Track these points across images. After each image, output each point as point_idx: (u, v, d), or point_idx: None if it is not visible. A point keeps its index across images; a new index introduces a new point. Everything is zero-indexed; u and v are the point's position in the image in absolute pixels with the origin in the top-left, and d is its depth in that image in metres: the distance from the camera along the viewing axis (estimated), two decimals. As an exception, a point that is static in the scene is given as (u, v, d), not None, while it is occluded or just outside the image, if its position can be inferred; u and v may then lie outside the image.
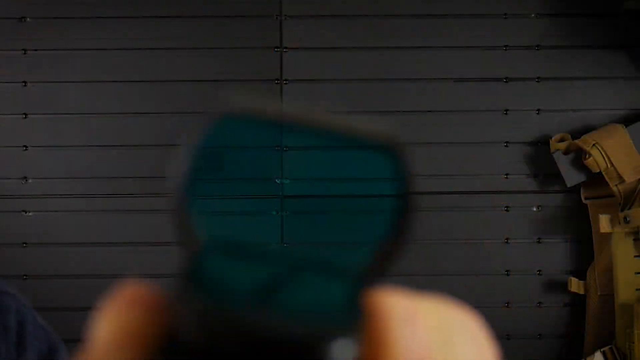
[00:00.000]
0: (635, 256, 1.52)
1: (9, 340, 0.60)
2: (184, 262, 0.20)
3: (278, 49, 1.62)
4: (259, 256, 0.20)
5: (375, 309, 0.19)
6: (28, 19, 1.60)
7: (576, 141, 1.56)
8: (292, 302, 0.19)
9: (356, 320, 0.19)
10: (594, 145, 1.53)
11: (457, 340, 0.19)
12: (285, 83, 1.62)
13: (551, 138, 1.60)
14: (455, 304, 0.19)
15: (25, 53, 1.61)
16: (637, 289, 1.52)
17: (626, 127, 1.57)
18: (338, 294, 0.20)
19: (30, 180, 1.62)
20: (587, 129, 1.60)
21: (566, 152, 1.58)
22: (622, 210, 1.52)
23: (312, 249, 0.22)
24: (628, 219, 1.49)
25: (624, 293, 1.52)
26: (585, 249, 1.62)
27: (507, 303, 1.64)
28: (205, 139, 0.20)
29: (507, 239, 1.64)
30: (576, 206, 1.62)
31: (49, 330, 0.65)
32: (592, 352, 1.56)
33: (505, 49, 1.63)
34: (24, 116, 1.61)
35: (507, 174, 1.64)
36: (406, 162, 0.20)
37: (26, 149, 1.62)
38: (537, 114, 1.63)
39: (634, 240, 1.52)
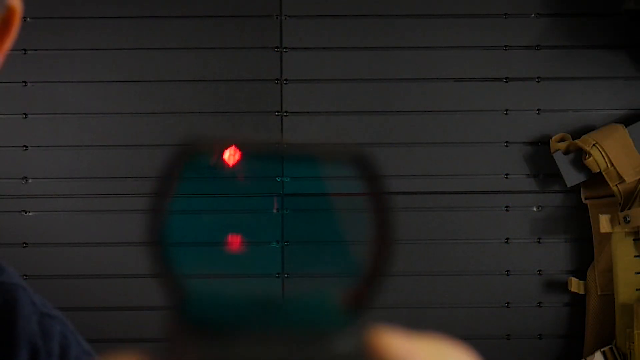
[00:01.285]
0: (635, 256, 1.52)
1: None
2: (171, 302, 0.19)
3: (278, 49, 1.62)
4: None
5: (376, 349, 0.19)
6: (28, 19, 1.60)
7: (576, 141, 1.56)
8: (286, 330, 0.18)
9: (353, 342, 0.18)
10: (594, 145, 1.53)
11: None
12: (285, 83, 1.62)
13: (551, 138, 1.60)
14: (451, 341, 0.19)
15: (25, 53, 1.61)
16: (637, 289, 1.52)
17: (626, 127, 1.57)
18: (333, 320, 0.19)
19: (30, 180, 1.62)
20: (587, 129, 1.60)
21: (566, 152, 1.58)
22: (622, 210, 1.52)
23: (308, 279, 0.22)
24: (628, 219, 1.49)
25: (624, 293, 1.52)
26: (585, 249, 1.62)
27: (507, 303, 1.64)
28: (183, 170, 0.20)
29: (507, 239, 1.64)
30: (576, 206, 1.62)
31: (93, 355, 0.63)
32: (592, 352, 1.55)
33: (505, 49, 1.63)
34: (24, 116, 1.61)
35: (507, 174, 1.64)
36: (376, 166, 0.20)
37: (26, 149, 1.61)
38: (537, 114, 1.63)
39: (634, 240, 1.52)
